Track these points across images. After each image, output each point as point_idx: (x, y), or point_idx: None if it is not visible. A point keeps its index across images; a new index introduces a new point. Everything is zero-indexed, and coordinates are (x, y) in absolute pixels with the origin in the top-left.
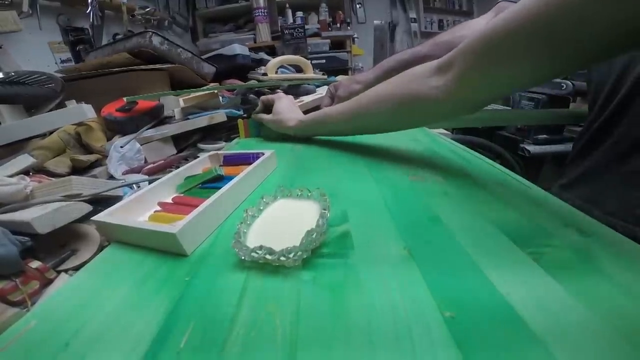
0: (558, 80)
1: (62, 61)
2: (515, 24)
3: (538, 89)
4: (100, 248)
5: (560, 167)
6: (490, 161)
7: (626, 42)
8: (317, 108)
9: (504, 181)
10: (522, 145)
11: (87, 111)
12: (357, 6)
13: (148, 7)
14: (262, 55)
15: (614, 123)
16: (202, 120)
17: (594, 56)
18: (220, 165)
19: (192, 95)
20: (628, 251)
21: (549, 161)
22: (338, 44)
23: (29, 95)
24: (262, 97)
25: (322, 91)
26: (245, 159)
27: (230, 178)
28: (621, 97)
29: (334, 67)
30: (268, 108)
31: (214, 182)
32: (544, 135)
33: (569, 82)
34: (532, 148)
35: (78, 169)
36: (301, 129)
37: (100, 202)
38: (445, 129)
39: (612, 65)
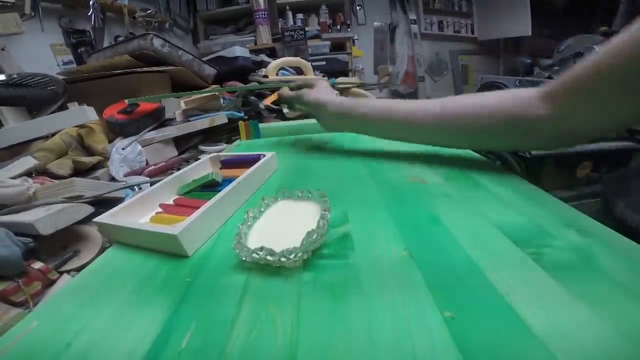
0: None
1: (64, 63)
2: (622, 57)
3: None
4: (102, 249)
5: (561, 168)
6: (491, 162)
7: None
8: None
9: (504, 182)
10: None
11: (89, 113)
12: (357, 8)
13: (149, 9)
14: (263, 57)
15: None
16: (203, 122)
17: None
18: (220, 168)
19: (193, 97)
20: (628, 251)
21: (550, 163)
22: (338, 46)
23: (31, 97)
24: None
25: None
26: (244, 162)
27: (231, 180)
28: None
29: (334, 69)
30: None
31: (210, 187)
32: None
33: None
34: None
35: (80, 171)
36: (335, 109)
37: (102, 203)
38: None
39: None
